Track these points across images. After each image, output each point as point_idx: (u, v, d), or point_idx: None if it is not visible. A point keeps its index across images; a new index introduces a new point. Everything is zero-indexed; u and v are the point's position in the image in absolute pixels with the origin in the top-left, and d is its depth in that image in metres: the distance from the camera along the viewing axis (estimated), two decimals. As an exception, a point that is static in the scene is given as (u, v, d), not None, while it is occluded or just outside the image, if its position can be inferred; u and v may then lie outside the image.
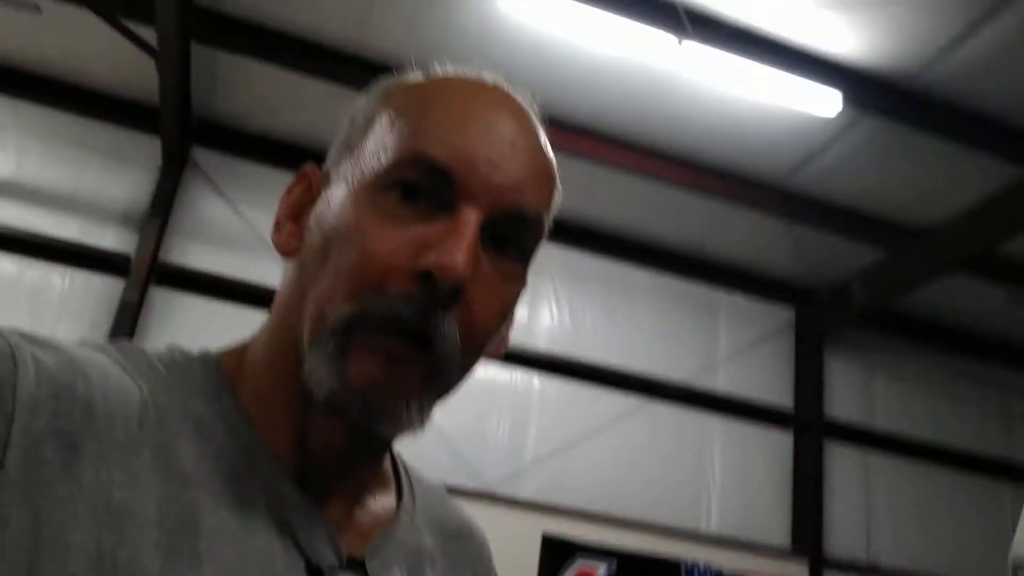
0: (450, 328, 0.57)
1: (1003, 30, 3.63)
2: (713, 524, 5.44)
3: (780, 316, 6.05)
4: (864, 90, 4.17)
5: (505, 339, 0.66)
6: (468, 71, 0.66)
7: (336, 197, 0.62)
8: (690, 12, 3.80)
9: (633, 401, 5.50)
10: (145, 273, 4.73)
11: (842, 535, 5.66)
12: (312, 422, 0.61)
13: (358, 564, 0.62)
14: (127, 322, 4.60)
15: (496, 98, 0.64)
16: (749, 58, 4.02)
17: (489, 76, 0.66)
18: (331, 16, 4.19)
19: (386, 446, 0.68)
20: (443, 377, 0.59)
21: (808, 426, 5.82)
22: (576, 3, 3.80)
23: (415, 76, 0.67)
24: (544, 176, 0.63)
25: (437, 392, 0.60)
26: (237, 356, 0.66)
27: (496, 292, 0.60)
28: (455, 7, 4.00)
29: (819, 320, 5.99)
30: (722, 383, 5.76)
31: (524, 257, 0.63)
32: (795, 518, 5.59)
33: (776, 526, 5.61)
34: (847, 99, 4.16)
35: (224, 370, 0.64)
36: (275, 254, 0.66)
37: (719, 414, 5.70)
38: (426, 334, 0.57)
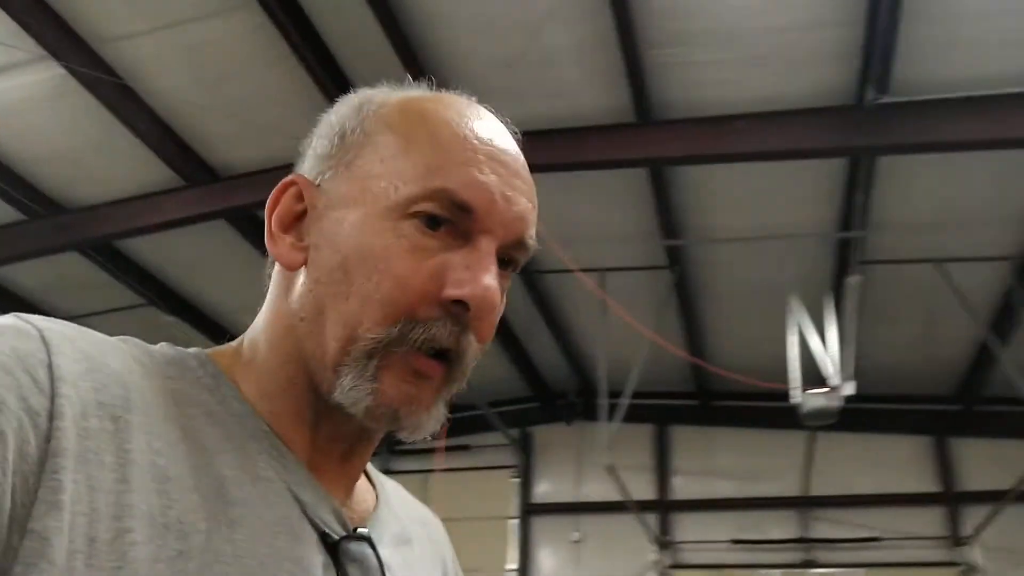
0: (471, 344, 0.64)
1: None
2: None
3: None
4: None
5: None
6: (446, 92, 0.71)
7: (348, 218, 0.65)
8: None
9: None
10: None
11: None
12: (321, 420, 0.66)
13: (360, 536, 0.67)
14: None
15: (496, 128, 0.69)
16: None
17: (472, 100, 0.71)
18: None
19: (375, 444, 0.73)
20: (457, 384, 0.66)
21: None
22: None
23: (401, 94, 0.71)
24: (534, 202, 0.68)
25: (450, 396, 0.66)
26: (230, 355, 0.69)
27: (499, 305, 0.65)
28: None
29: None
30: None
31: (516, 271, 0.69)
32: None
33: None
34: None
35: (219, 366, 0.67)
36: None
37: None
38: (453, 352, 0.63)
